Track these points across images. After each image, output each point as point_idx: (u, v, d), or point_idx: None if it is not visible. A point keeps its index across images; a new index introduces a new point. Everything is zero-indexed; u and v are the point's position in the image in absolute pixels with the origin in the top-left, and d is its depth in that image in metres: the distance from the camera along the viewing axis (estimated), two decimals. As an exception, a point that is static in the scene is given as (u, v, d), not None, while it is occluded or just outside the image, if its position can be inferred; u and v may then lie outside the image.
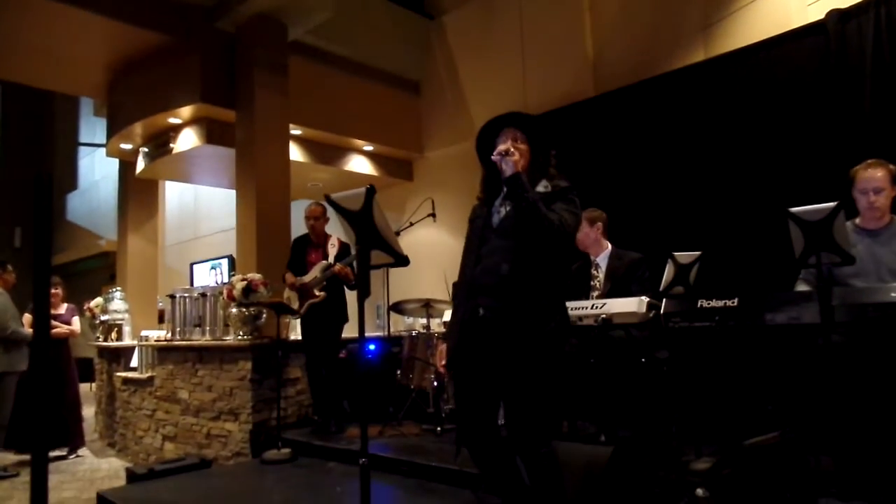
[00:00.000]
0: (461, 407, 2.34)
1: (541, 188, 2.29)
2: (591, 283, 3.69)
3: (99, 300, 7.10)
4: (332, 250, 4.52)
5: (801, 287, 2.89)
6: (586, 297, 3.58)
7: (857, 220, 2.88)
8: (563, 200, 2.28)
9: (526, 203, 2.16)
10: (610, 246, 3.74)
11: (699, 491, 2.53)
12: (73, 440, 5.89)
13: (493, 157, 2.27)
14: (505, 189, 2.28)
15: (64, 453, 5.77)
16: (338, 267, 4.33)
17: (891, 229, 2.79)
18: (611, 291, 3.53)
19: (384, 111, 7.35)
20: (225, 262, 9.06)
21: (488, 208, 2.37)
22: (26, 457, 5.37)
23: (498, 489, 2.36)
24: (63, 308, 5.96)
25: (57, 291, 5.85)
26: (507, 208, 2.30)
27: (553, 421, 2.26)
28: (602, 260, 3.71)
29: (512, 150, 2.24)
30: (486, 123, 2.42)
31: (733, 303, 2.68)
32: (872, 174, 2.76)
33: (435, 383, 4.45)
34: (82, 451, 5.95)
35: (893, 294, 2.27)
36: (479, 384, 2.25)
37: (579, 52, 5.88)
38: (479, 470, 2.40)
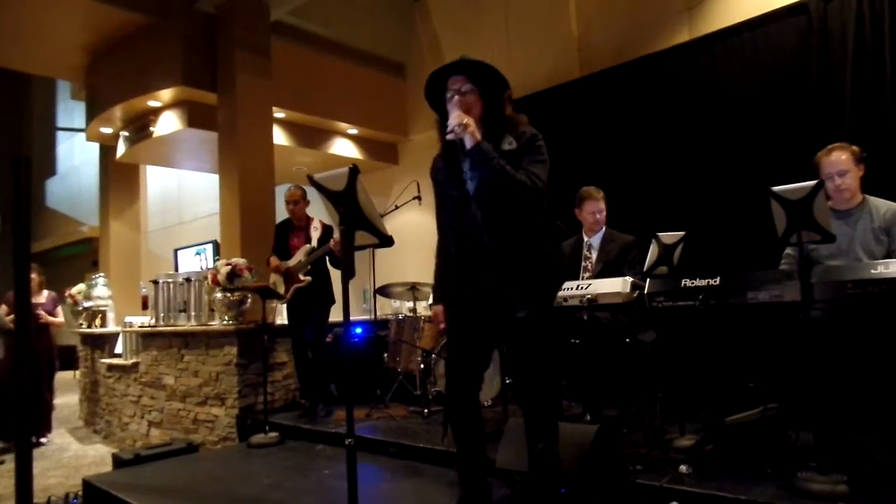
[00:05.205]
0: (454, 362, 2.41)
1: (506, 145, 2.23)
2: (583, 263, 3.69)
3: (81, 286, 7.04)
4: (315, 233, 4.48)
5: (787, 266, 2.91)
6: (577, 278, 3.59)
7: (829, 203, 2.89)
8: (530, 152, 2.25)
9: (494, 172, 2.15)
10: (604, 227, 3.73)
11: (683, 467, 2.58)
12: (41, 428, 5.82)
13: (447, 136, 2.18)
14: (468, 160, 2.24)
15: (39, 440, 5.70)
16: (332, 242, 4.27)
17: (863, 208, 2.79)
18: (601, 273, 3.53)
19: (369, 94, 7.28)
20: (209, 247, 8.96)
21: (455, 168, 2.33)
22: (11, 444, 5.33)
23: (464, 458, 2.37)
24: (43, 296, 5.85)
25: (34, 277, 5.71)
26: (478, 176, 2.27)
27: (554, 372, 2.35)
28: (595, 241, 3.71)
29: (465, 120, 2.16)
30: (430, 75, 2.33)
31: (716, 282, 2.70)
32: (837, 158, 2.77)
33: (422, 366, 4.47)
34: (56, 438, 5.89)
35: (873, 270, 2.30)
36: (476, 344, 2.35)
37: (564, 33, 5.85)
38: (454, 427, 2.42)
